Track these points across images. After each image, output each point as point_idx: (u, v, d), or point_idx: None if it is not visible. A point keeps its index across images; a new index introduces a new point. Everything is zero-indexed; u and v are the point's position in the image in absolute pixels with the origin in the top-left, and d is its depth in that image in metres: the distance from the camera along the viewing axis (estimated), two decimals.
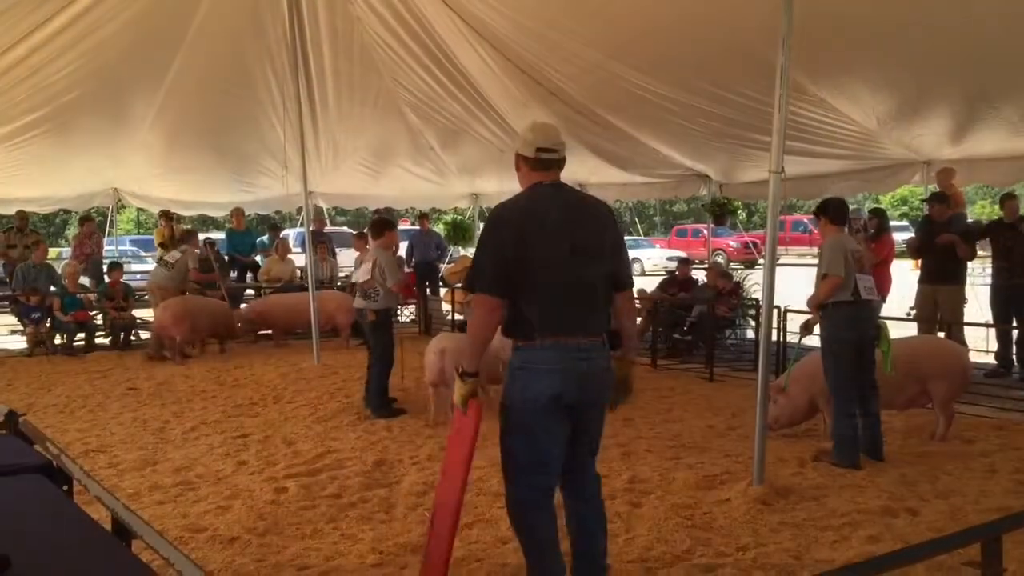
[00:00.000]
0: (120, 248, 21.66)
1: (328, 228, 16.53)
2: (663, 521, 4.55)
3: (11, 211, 13.25)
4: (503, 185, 15.40)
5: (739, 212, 15.27)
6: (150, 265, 18.91)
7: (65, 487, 3.22)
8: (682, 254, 22.20)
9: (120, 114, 11.62)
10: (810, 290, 5.91)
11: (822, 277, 5.66)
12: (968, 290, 9.24)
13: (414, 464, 5.78)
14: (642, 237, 36.72)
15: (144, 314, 12.41)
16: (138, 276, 17.78)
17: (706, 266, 13.27)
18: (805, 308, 6.11)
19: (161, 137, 12.43)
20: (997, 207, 10.02)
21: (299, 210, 12.66)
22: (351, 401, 7.83)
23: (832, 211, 5.90)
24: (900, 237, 11.88)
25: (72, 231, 35.62)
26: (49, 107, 10.57)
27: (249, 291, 13.69)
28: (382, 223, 7.91)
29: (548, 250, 3.27)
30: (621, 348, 3.56)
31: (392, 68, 11.08)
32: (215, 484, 5.37)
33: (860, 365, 5.66)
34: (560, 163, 3.46)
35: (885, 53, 7.35)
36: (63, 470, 3.25)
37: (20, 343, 11.51)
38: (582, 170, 13.56)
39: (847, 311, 5.62)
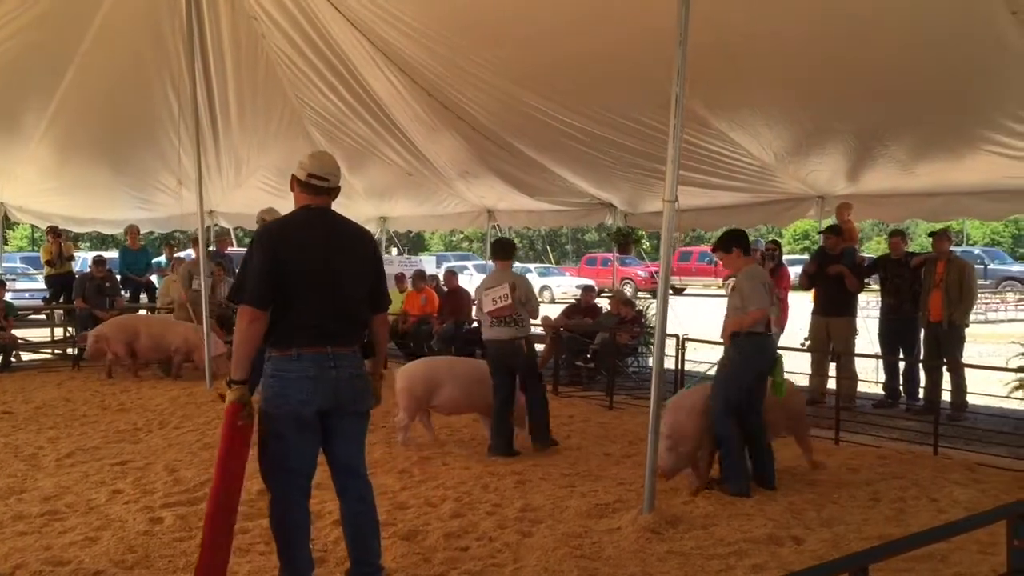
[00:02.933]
0: (9, 265, 20.74)
1: (232, 248, 16.07)
2: (552, 551, 4.48)
3: None
4: (412, 208, 15.31)
5: (643, 242, 15.41)
6: (39, 284, 18.11)
7: None
8: (591, 282, 22.39)
9: (8, 125, 11.10)
10: (718, 320, 5.92)
11: (742, 309, 5.61)
12: (859, 322, 9.52)
13: None
14: (553, 265, 36.99)
15: (26, 334, 11.84)
16: (27, 295, 17.04)
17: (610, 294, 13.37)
18: (707, 338, 6.10)
19: (52, 150, 11.90)
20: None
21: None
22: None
23: (744, 242, 5.90)
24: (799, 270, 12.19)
25: None
26: None
27: (143, 312, 13.18)
28: (511, 245, 7.45)
29: (307, 267, 3.57)
30: (372, 359, 3.89)
31: (297, 86, 10.91)
32: (85, 514, 5.07)
33: (758, 393, 5.72)
34: (331, 192, 3.78)
35: (780, 89, 7.56)
36: None
37: None
38: (491, 195, 13.57)
39: (759, 341, 5.67)
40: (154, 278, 13.88)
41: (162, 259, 14.48)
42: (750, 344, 5.67)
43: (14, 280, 17.64)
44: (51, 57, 9.86)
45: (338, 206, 12.57)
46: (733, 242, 5.86)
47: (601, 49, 7.47)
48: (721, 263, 6.10)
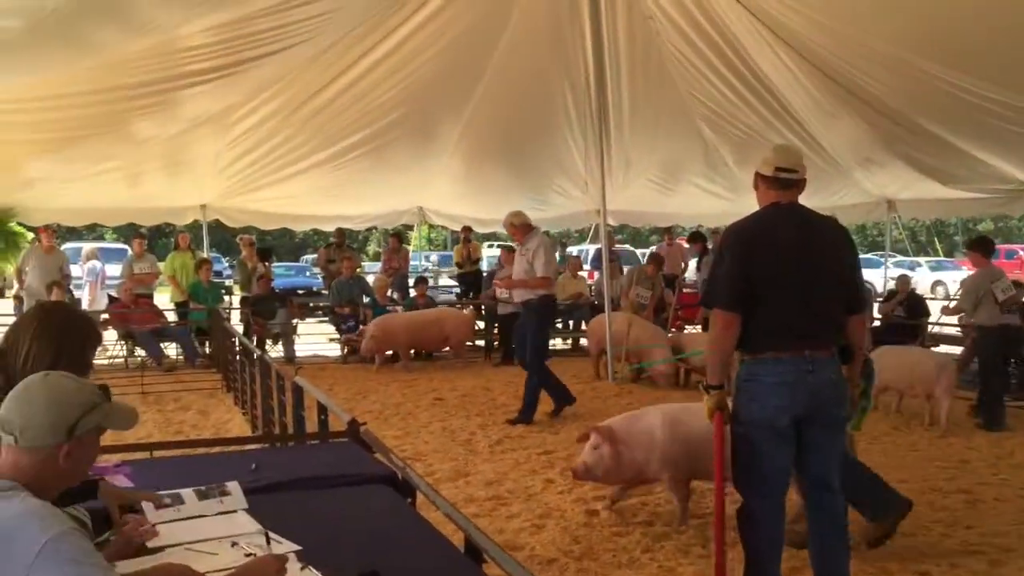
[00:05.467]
0: (423, 264, 23.08)
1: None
2: None
3: (331, 228, 14.51)
4: (802, 200, 14.62)
5: None
6: (443, 281, 20.09)
7: (409, 500, 3.27)
8: None
9: (428, 137, 12.31)
10: None
11: None
12: None
13: (728, 493, 5.43)
14: (944, 258, 33.34)
15: None
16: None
17: None
18: None
19: (462, 160, 13.03)
20: None
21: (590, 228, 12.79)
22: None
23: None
24: None
25: (372, 248, 38.71)
26: (368, 130, 11.42)
27: None
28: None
29: (780, 267, 3.41)
30: (851, 363, 3.58)
31: (688, 80, 10.87)
32: (526, 501, 5.37)
33: None
34: (798, 184, 3.55)
35: None
36: (408, 482, 3.30)
37: (337, 350, 12.43)
38: (894, 184, 12.63)
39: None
40: None
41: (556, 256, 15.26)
42: None
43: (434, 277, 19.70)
44: (463, 75, 10.79)
45: (723, 202, 12.30)
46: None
47: None
48: None
